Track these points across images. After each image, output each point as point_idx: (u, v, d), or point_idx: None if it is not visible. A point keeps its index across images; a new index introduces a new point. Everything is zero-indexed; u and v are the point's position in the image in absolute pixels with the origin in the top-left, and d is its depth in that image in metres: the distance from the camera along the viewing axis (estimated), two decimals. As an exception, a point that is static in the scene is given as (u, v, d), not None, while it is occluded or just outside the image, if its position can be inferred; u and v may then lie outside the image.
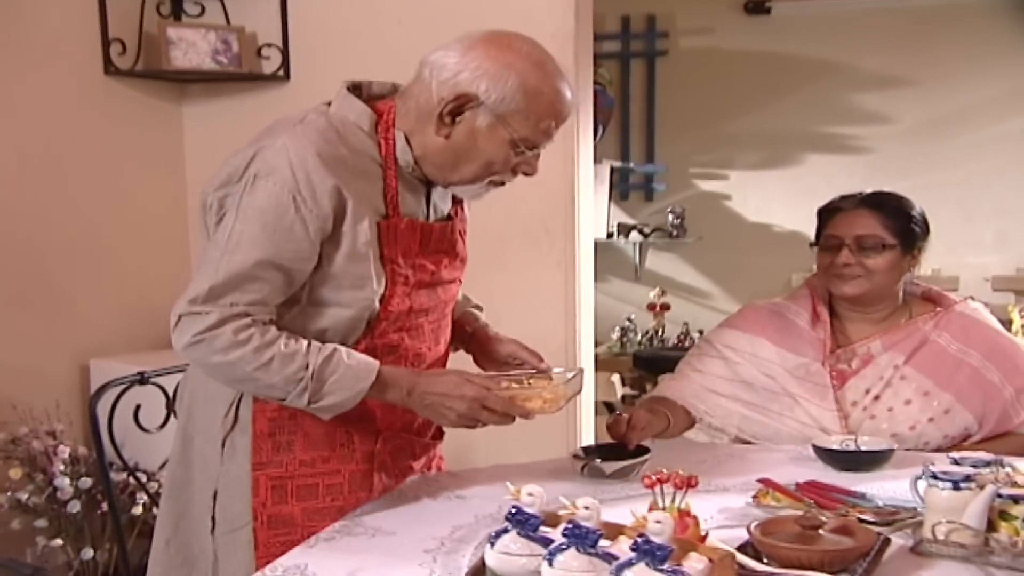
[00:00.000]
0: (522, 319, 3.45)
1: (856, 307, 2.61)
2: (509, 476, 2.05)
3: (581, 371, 2.17)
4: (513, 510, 1.61)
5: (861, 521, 1.87)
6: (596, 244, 6.53)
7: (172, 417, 2.45)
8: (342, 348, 1.93)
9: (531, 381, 2.14)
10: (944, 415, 2.49)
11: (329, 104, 2.04)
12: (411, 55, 3.61)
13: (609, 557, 1.48)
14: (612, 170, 6.73)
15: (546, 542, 1.54)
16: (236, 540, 2.01)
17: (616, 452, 2.28)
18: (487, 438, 2.60)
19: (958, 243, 6.51)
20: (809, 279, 2.73)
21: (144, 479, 2.64)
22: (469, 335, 2.32)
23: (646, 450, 2.28)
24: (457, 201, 2.20)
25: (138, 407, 2.40)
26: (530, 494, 1.61)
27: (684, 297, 6.75)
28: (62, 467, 2.81)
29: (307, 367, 1.88)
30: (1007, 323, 6.28)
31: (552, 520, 1.62)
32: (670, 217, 6.65)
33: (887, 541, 1.73)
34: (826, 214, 2.63)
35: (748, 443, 2.58)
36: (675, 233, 6.64)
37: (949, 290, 6.29)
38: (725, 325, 2.75)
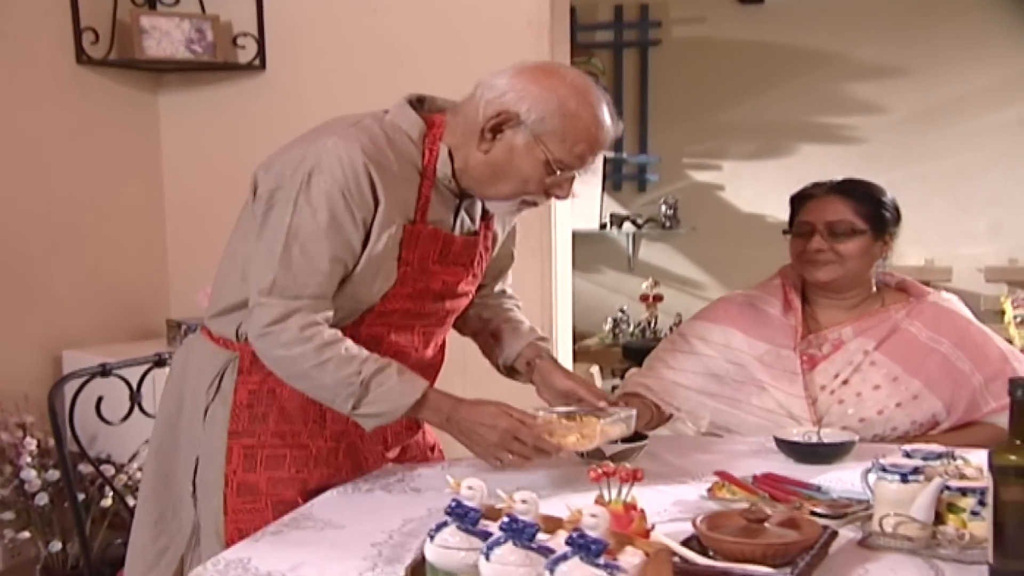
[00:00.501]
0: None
1: (829, 294, 2.62)
2: (483, 467, 2.06)
3: (633, 414, 2.20)
4: (453, 503, 1.60)
5: (814, 514, 1.87)
6: (589, 235, 6.64)
7: (136, 409, 2.45)
8: (396, 363, 2.03)
9: (583, 418, 2.16)
10: (912, 400, 2.51)
11: (387, 112, 2.13)
12: (386, 43, 3.64)
13: (546, 551, 1.47)
14: (605, 160, 6.68)
15: (485, 536, 1.54)
16: (210, 506, 2.09)
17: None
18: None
19: (951, 233, 6.50)
20: (782, 268, 2.74)
21: (112, 471, 2.64)
22: (533, 367, 2.37)
23: (644, 436, 2.32)
24: (487, 218, 2.26)
25: (100, 399, 2.40)
26: (470, 487, 1.59)
27: (677, 288, 6.73)
28: (29, 459, 2.82)
29: (359, 374, 1.98)
30: (999, 314, 6.28)
31: (492, 514, 1.61)
32: (663, 208, 6.62)
33: (834, 534, 1.72)
34: (797, 201, 2.65)
35: (717, 436, 2.58)
36: (668, 224, 6.62)
37: (942, 281, 6.32)
38: (697, 317, 2.77)
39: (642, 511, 1.73)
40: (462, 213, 2.19)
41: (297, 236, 1.98)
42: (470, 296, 2.31)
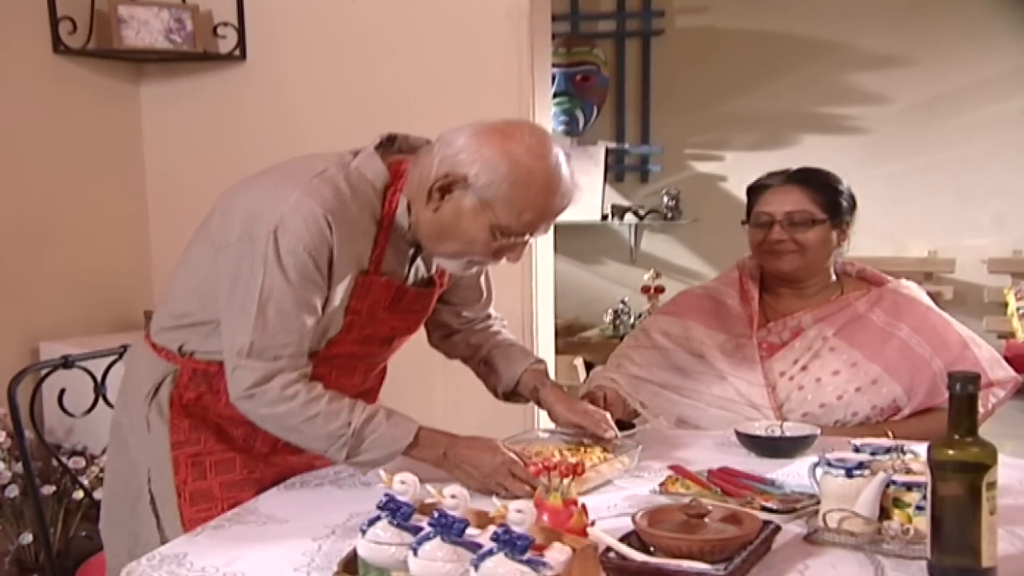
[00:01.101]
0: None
1: (788, 283, 2.63)
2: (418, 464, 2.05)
3: (638, 449, 2.18)
4: (385, 498, 1.59)
5: (764, 508, 1.85)
6: (590, 226, 6.62)
7: (101, 401, 2.44)
8: (384, 409, 2.03)
9: (588, 449, 2.16)
10: (872, 385, 2.51)
11: (355, 155, 2.09)
12: (366, 33, 3.63)
13: (474, 546, 1.46)
14: (607, 151, 6.68)
15: (417, 531, 1.53)
16: (167, 516, 2.09)
17: None
18: (445, 418, 2.60)
19: (955, 225, 6.46)
20: (739, 260, 2.76)
21: (84, 463, 2.64)
22: (536, 395, 2.38)
23: (630, 424, 2.35)
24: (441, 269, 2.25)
25: (63, 391, 2.39)
26: (403, 482, 1.58)
27: (679, 279, 6.67)
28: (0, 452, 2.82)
29: (349, 424, 1.97)
30: (1003, 306, 6.23)
31: (426, 509, 1.60)
32: (665, 199, 6.59)
33: (776, 529, 1.70)
34: (755, 192, 2.66)
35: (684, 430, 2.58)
36: (670, 215, 6.59)
37: (945, 272, 6.26)
38: (659, 312, 2.83)
39: (583, 506, 1.71)
40: (417, 262, 2.18)
41: (271, 298, 1.96)
42: (417, 332, 2.31)
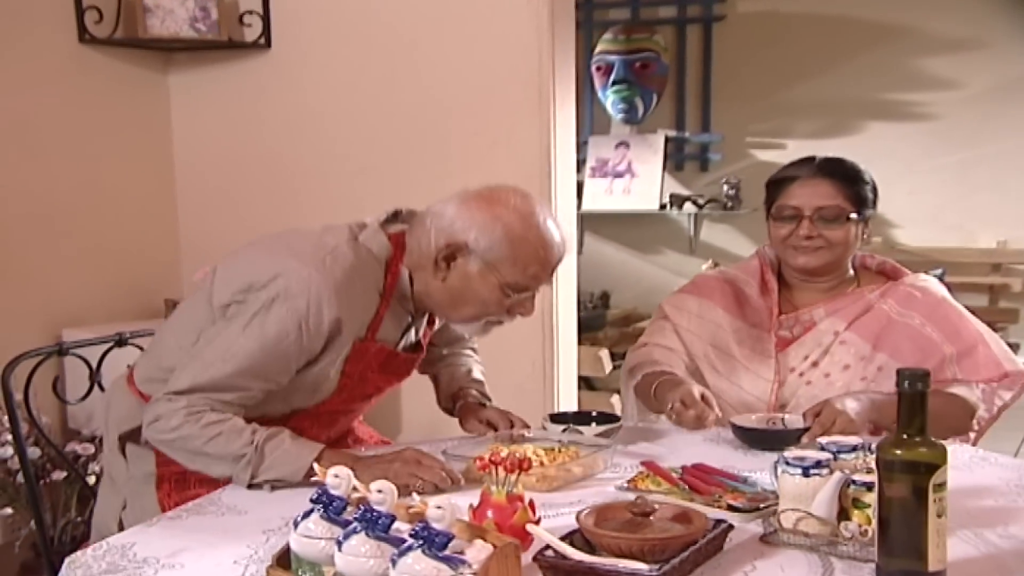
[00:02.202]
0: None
1: (807, 276, 2.55)
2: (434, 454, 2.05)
3: (612, 447, 2.16)
4: (318, 492, 1.58)
5: (730, 507, 1.81)
6: (649, 216, 6.55)
7: (97, 388, 2.47)
8: (287, 431, 2.05)
9: (563, 450, 2.12)
10: (878, 372, 2.44)
11: (362, 227, 2.20)
12: (389, 23, 3.63)
13: (399, 542, 1.44)
14: (666, 140, 6.59)
15: (347, 525, 1.51)
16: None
17: (587, 418, 2.35)
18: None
19: (1026, 215, 6.25)
20: (759, 249, 2.68)
21: (92, 450, 2.69)
22: (458, 402, 2.48)
23: (616, 418, 2.35)
24: (431, 323, 2.35)
25: (56, 378, 2.43)
26: (336, 475, 1.57)
27: (739, 270, 6.60)
28: (9, 437, 2.86)
29: (252, 443, 1.99)
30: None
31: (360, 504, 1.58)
32: (725, 188, 6.46)
33: (728, 529, 1.66)
34: (779, 184, 2.54)
35: None
36: (730, 204, 6.47)
37: (1016, 263, 6.06)
38: (677, 292, 2.73)
39: (531, 502, 1.69)
40: (411, 330, 2.28)
41: (235, 357, 2.02)
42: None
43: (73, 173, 3.57)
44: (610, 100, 6.61)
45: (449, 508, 1.41)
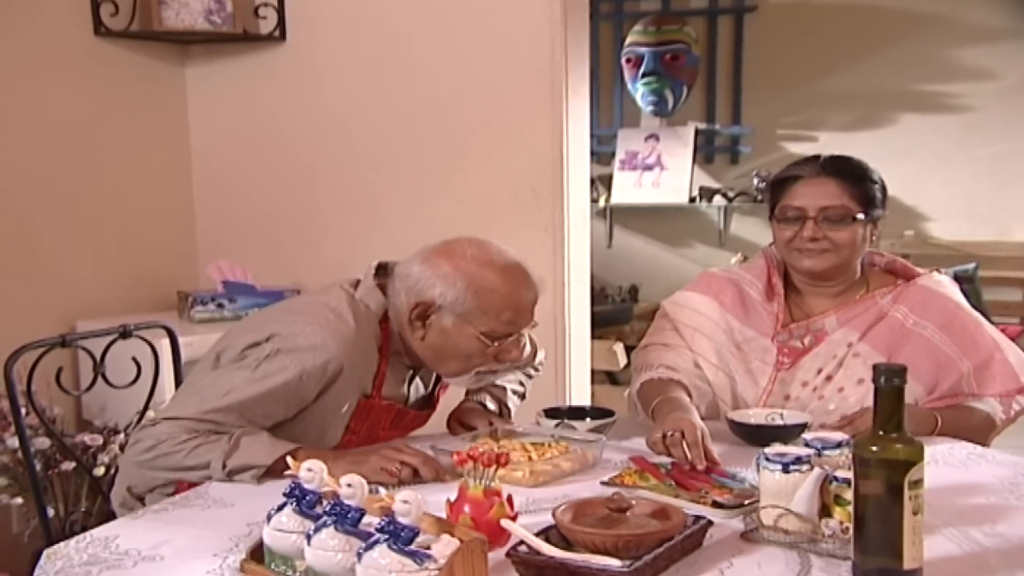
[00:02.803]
0: (510, 286, 3.41)
1: (814, 280, 2.45)
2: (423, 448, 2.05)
3: (602, 442, 2.14)
4: (292, 486, 1.58)
5: (714, 503, 1.79)
6: (678, 209, 6.52)
7: (101, 380, 2.49)
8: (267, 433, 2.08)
9: (553, 445, 2.12)
10: None
11: (355, 284, 2.23)
12: (403, 15, 3.64)
13: (368, 536, 1.44)
14: (696, 132, 6.56)
15: (319, 519, 1.51)
16: None
17: (581, 413, 2.34)
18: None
19: (1063, 208, 6.16)
20: (766, 248, 2.56)
21: (95, 441, 2.71)
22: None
23: (610, 412, 2.33)
24: (443, 383, 2.37)
25: (60, 369, 2.45)
26: (309, 469, 1.57)
27: (770, 263, 6.55)
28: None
29: (231, 437, 2.02)
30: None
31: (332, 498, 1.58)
32: (755, 181, 6.43)
33: (708, 525, 1.64)
34: (782, 184, 2.43)
35: None
36: (760, 197, 6.40)
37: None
38: (680, 290, 2.61)
39: (509, 497, 1.68)
40: (416, 381, 2.31)
41: (232, 395, 2.05)
42: None
43: (90, 166, 3.59)
44: (640, 92, 6.59)
45: (416, 503, 1.41)
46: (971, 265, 6.07)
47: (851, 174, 2.38)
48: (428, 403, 2.37)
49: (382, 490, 1.50)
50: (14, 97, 3.38)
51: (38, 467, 2.85)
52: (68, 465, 2.91)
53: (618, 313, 6.06)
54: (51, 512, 2.88)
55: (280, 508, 1.56)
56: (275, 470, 1.97)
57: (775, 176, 2.48)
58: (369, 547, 1.40)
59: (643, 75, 6.51)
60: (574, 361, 3.49)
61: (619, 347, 4.78)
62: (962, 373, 2.33)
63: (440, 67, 3.58)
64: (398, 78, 3.62)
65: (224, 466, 1.98)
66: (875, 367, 1.49)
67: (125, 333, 2.53)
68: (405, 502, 1.41)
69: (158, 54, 3.77)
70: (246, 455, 1.99)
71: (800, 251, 2.38)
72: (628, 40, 6.62)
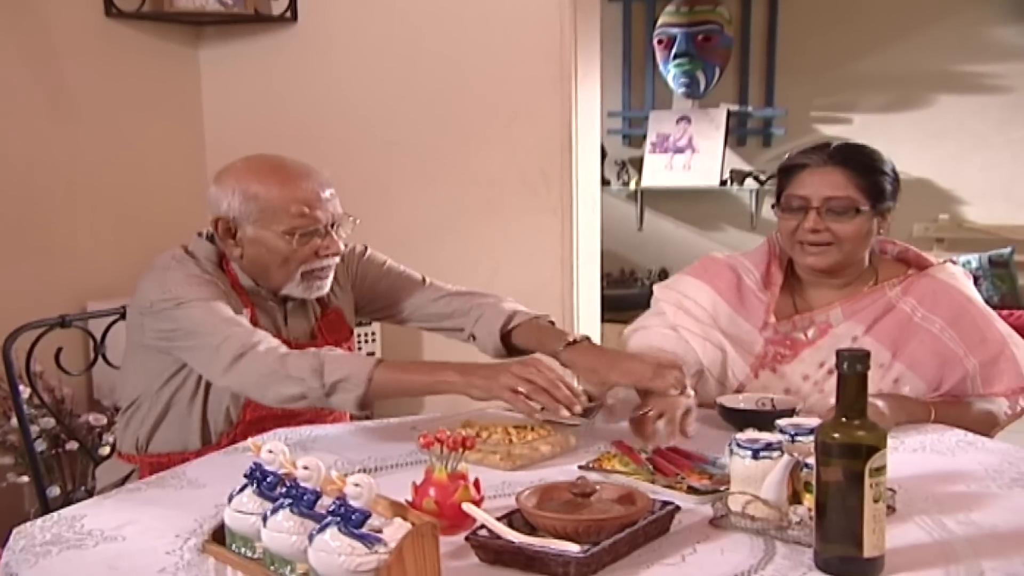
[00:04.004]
0: (519, 267, 3.41)
1: (819, 274, 2.39)
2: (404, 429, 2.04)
3: (578, 427, 2.10)
4: (253, 467, 1.58)
5: (690, 488, 1.76)
6: (709, 192, 6.45)
7: (101, 360, 2.51)
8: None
9: (536, 429, 2.07)
10: (892, 384, 2.27)
11: (186, 248, 2.32)
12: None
13: (323, 518, 1.44)
14: (728, 114, 6.48)
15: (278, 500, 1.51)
16: None
17: None
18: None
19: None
20: (771, 235, 2.50)
21: (99, 421, 2.73)
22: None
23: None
24: (326, 313, 2.41)
25: (59, 349, 2.47)
26: (270, 451, 1.56)
27: (802, 247, 6.46)
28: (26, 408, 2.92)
29: (317, 354, 2.08)
30: None
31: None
32: (788, 163, 6.34)
33: (675, 510, 1.62)
34: (788, 172, 2.36)
35: None
36: (793, 180, 6.34)
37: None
38: (678, 273, 2.59)
39: (476, 481, 1.66)
40: (290, 318, 2.36)
41: (212, 317, 2.14)
42: None
43: (103, 147, 3.62)
44: (671, 74, 6.51)
45: (367, 485, 1.40)
46: (1007, 249, 5.96)
47: (859, 164, 2.30)
48: (312, 337, 2.38)
49: (334, 473, 1.47)
50: (27, 79, 3.41)
51: (43, 447, 2.90)
52: (74, 445, 2.93)
53: (647, 296, 6.01)
54: (57, 491, 2.92)
55: (242, 489, 1.56)
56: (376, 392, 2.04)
57: (782, 163, 2.42)
58: (320, 529, 1.40)
59: (675, 56, 6.44)
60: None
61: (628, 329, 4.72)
62: (967, 371, 2.25)
63: (450, 48, 3.57)
64: (408, 59, 3.61)
65: (321, 383, 2.03)
66: (838, 352, 1.46)
67: (124, 315, 2.53)
68: (356, 485, 1.40)
69: (170, 35, 3.79)
70: (338, 369, 2.03)
71: (803, 245, 2.32)
72: (660, 21, 6.54)
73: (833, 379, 2.25)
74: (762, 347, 2.38)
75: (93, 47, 3.59)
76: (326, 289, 2.34)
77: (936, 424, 2.17)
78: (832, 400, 2.23)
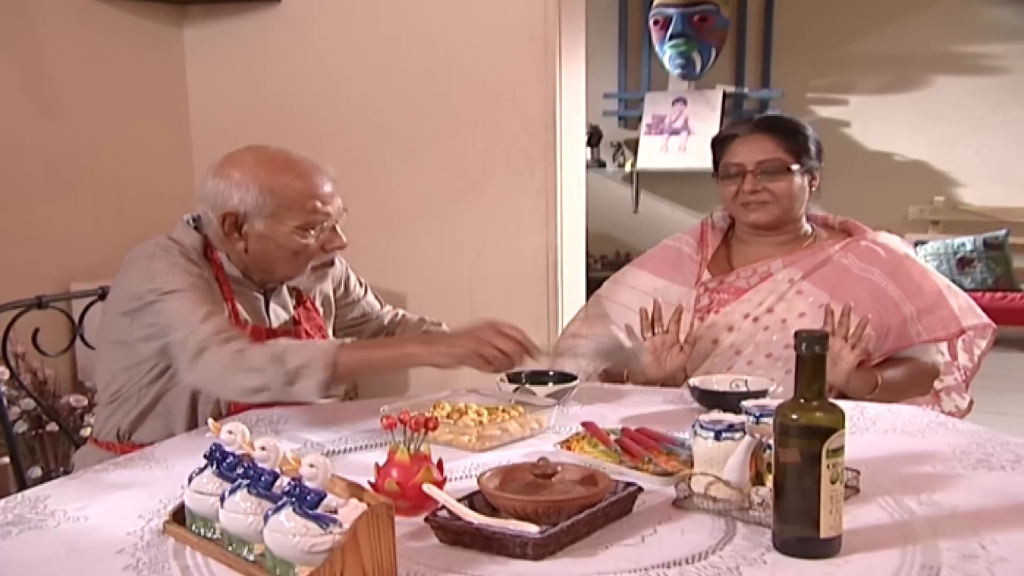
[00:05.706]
0: (504, 248, 3.40)
1: (761, 232, 2.57)
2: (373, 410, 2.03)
3: (553, 410, 2.09)
4: (212, 448, 1.57)
5: (655, 470, 1.76)
6: (704, 174, 6.40)
7: (79, 341, 2.51)
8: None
9: (507, 410, 2.08)
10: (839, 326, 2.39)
11: (170, 236, 2.27)
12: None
13: (279, 499, 1.43)
14: (725, 96, 6.47)
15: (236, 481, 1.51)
16: None
17: (543, 378, 2.31)
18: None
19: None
20: (705, 218, 2.74)
21: (80, 403, 2.72)
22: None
23: (574, 376, 2.30)
24: (302, 301, 2.39)
25: (36, 331, 2.46)
26: (230, 431, 1.56)
27: (799, 228, 6.45)
28: (3, 388, 2.92)
29: (279, 343, 2.06)
30: None
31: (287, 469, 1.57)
32: (784, 145, 6.33)
33: (637, 491, 1.61)
34: (721, 143, 2.60)
35: None
36: (789, 162, 6.32)
37: None
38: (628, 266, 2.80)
39: (440, 462, 1.66)
40: (272, 306, 2.33)
41: (190, 307, 2.09)
42: None
43: (89, 128, 3.62)
44: (667, 55, 6.51)
45: (322, 466, 1.39)
46: (1002, 232, 5.94)
47: (783, 129, 2.53)
48: (294, 323, 2.37)
49: (289, 454, 1.47)
50: (7, 59, 3.40)
51: (25, 428, 2.91)
52: (54, 426, 2.93)
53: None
54: (39, 472, 2.92)
55: (202, 470, 1.56)
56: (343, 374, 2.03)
57: (715, 137, 2.66)
58: (276, 510, 1.39)
59: (671, 37, 6.43)
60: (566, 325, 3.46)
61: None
62: (905, 317, 2.43)
63: (434, 29, 3.56)
64: (392, 40, 3.60)
65: (283, 369, 1.99)
66: (796, 334, 1.45)
67: (103, 296, 2.53)
68: (312, 466, 1.39)
69: (154, 15, 3.79)
70: (299, 355, 2.00)
71: (745, 205, 2.52)
72: (656, 1, 6.53)
73: (773, 316, 2.47)
74: (694, 300, 2.55)
75: (75, 26, 3.58)
76: (329, 279, 2.39)
77: (883, 388, 2.34)
78: (774, 337, 2.45)
